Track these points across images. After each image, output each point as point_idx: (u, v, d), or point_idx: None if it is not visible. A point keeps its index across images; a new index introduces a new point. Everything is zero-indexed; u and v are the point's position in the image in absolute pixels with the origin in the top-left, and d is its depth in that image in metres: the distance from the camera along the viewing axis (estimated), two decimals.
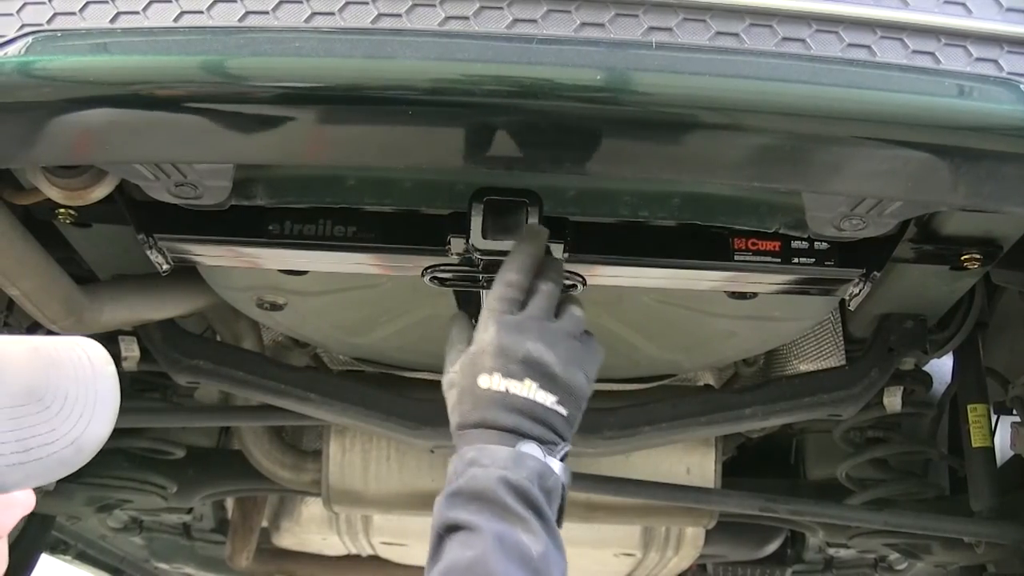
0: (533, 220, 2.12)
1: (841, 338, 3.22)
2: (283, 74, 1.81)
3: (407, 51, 1.79)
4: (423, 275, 2.33)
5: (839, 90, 1.79)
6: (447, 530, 1.84)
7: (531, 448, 1.91)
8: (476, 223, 2.13)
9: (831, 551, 4.42)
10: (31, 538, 4.03)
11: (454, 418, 2.01)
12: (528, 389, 1.94)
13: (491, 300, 2.02)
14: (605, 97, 1.79)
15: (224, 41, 1.81)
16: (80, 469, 3.44)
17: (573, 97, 1.79)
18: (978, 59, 1.83)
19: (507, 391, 1.94)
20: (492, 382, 1.95)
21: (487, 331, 1.99)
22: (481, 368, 1.97)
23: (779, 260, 2.35)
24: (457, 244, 2.23)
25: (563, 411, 1.97)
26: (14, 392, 1.56)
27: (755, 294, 2.55)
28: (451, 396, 2.05)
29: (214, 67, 1.81)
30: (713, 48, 1.80)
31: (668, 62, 1.79)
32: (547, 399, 1.95)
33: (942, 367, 3.55)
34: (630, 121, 1.83)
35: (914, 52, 1.82)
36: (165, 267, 2.47)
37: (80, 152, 1.95)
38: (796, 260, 2.35)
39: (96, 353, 1.71)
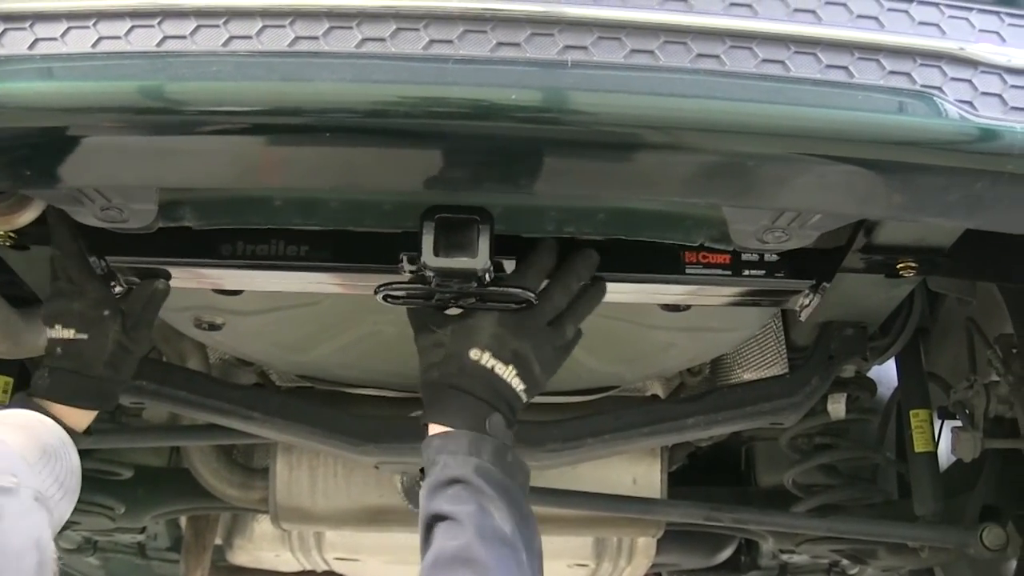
0: (485, 237, 2.15)
1: (784, 347, 3.22)
2: (201, 98, 1.81)
3: (324, 73, 1.79)
4: (376, 293, 2.34)
5: (752, 105, 1.80)
6: (433, 519, 2.10)
7: (498, 420, 2.22)
8: (427, 241, 2.15)
9: (784, 557, 4.42)
10: None
11: (433, 373, 2.28)
12: (508, 372, 2.25)
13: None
14: (520, 116, 1.80)
15: (142, 66, 1.81)
16: None
17: (489, 116, 1.80)
18: (891, 72, 1.84)
19: (492, 369, 2.24)
20: (482, 358, 2.24)
21: (490, 313, 2.27)
22: (475, 343, 2.25)
23: (730, 273, 2.39)
24: (409, 262, 2.25)
25: (524, 398, 2.30)
26: (36, 457, 2.19)
27: (688, 306, 2.57)
28: (436, 354, 2.29)
29: (132, 92, 1.81)
30: (628, 66, 1.81)
31: (586, 80, 1.81)
32: (519, 386, 2.27)
33: (889, 373, 3.56)
34: (548, 139, 1.84)
35: (828, 67, 1.83)
36: (119, 290, 2.49)
37: None
38: (746, 272, 2.38)
39: (26, 413, 2.35)
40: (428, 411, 2.27)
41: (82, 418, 2.49)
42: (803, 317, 2.59)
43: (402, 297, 2.34)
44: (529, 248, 2.32)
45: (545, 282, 2.31)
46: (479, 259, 2.15)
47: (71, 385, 2.46)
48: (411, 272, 2.28)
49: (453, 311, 2.31)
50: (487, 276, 2.22)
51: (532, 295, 2.27)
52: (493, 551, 2.01)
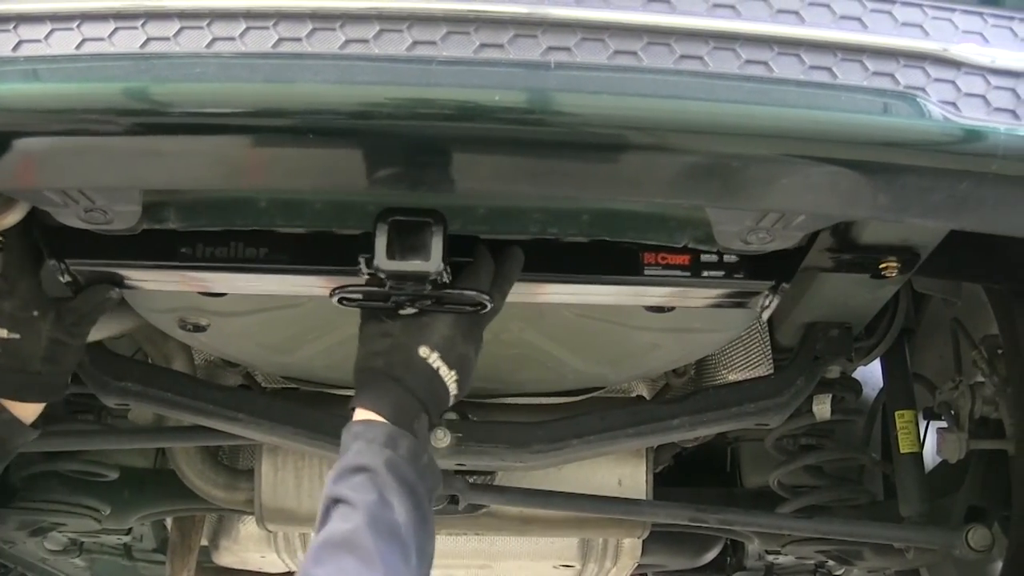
0: (438, 239, 2.14)
1: (769, 347, 3.23)
2: (184, 100, 1.81)
3: (307, 75, 1.79)
4: (332, 296, 2.33)
5: (735, 106, 1.81)
6: (332, 502, 2.06)
7: (425, 421, 2.23)
8: (381, 243, 2.14)
9: (770, 558, 4.43)
10: None
11: (376, 361, 2.26)
12: (450, 377, 2.26)
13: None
14: (504, 117, 1.80)
15: (126, 68, 1.81)
16: (12, 493, 3.45)
17: (472, 117, 1.80)
18: (875, 73, 1.84)
19: (437, 371, 2.24)
20: (431, 357, 2.24)
21: (445, 315, 2.28)
22: (426, 341, 2.25)
23: (689, 274, 2.39)
24: (365, 265, 2.24)
25: (451, 403, 2.31)
26: None
27: (672, 307, 2.57)
28: (381, 343, 2.28)
29: (116, 94, 1.81)
30: (612, 67, 1.81)
31: (569, 82, 1.81)
32: (454, 391, 2.28)
33: (875, 373, 3.57)
34: (532, 140, 1.83)
35: (811, 68, 1.83)
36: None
37: None
38: (705, 274, 2.38)
39: None
40: (360, 397, 2.24)
41: (33, 411, 2.55)
42: (764, 318, 2.60)
43: (357, 300, 2.33)
44: (475, 250, 2.32)
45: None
46: (432, 262, 2.14)
47: (13, 382, 2.51)
48: (368, 274, 2.28)
49: (408, 311, 2.31)
50: (442, 278, 2.22)
51: (488, 298, 2.27)
52: (382, 542, 1.99)
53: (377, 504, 2.04)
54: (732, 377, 3.24)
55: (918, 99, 1.85)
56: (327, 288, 2.35)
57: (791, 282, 2.43)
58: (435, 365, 2.24)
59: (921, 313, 3.49)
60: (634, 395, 3.68)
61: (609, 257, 2.36)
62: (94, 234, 2.28)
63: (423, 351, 2.24)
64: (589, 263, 2.37)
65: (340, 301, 2.32)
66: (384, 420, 2.18)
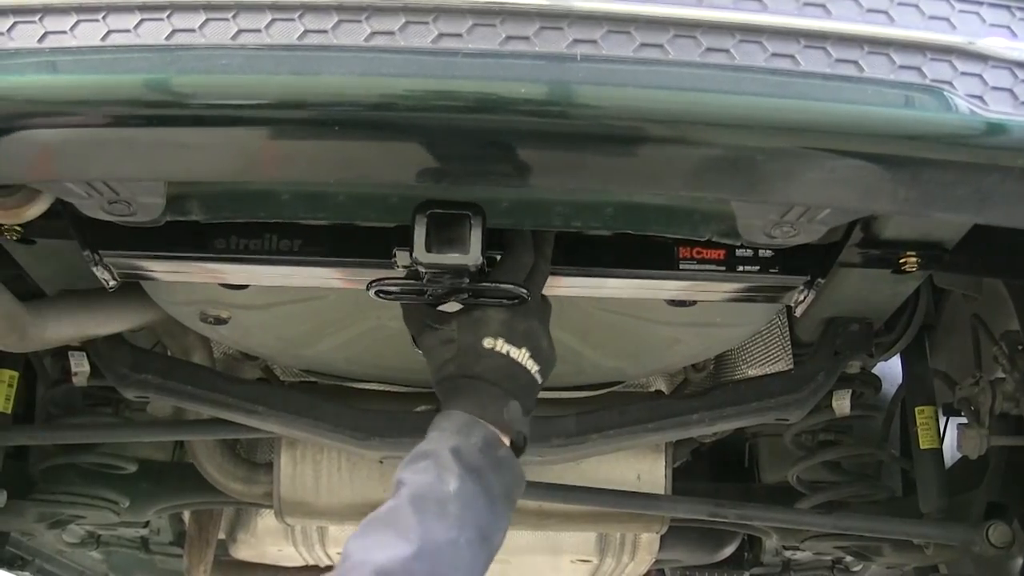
0: (477, 232, 2.13)
1: (788, 342, 3.23)
2: (210, 91, 1.80)
3: (333, 67, 1.79)
4: (368, 288, 2.33)
5: (761, 100, 1.80)
6: (394, 486, 2.08)
7: (515, 407, 2.21)
8: (419, 236, 2.13)
9: (788, 554, 4.42)
10: None
11: (449, 368, 2.26)
12: (523, 356, 2.25)
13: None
14: (529, 109, 1.80)
15: (151, 60, 1.81)
16: (30, 485, 3.46)
17: (497, 110, 1.80)
18: (901, 67, 1.84)
19: (508, 355, 2.23)
20: (496, 344, 2.23)
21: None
22: (487, 332, 2.24)
23: (724, 268, 2.39)
24: (402, 257, 2.24)
25: (539, 379, 2.29)
26: None
27: (694, 301, 2.56)
28: (446, 350, 2.27)
29: (141, 86, 1.81)
30: (638, 60, 1.81)
31: (595, 74, 1.81)
32: (533, 368, 2.26)
33: (894, 369, 3.57)
34: (557, 133, 1.83)
35: (837, 61, 1.83)
36: (112, 283, 2.49)
37: (7, 171, 1.96)
38: (741, 268, 2.38)
39: None
40: (447, 404, 2.23)
41: None
42: (798, 313, 2.59)
43: (395, 293, 2.33)
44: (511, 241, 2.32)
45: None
46: (471, 255, 2.14)
47: None
48: (405, 267, 2.28)
49: (450, 307, 2.31)
50: (481, 271, 2.22)
51: (524, 291, 2.26)
52: (425, 515, 1.98)
53: (430, 482, 2.03)
54: (751, 372, 3.25)
55: (944, 93, 1.84)
56: (359, 281, 2.35)
57: (826, 277, 2.42)
58: (504, 350, 2.24)
59: (941, 308, 3.48)
60: (652, 390, 3.67)
61: (645, 251, 2.37)
62: (128, 226, 2.29)
63: (487, 342, 2.24)
64: (624, 257, 2.38)
65: (377, 294, 2.32)
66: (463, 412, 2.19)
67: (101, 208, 2.18)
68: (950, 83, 1.85)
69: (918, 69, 1.84)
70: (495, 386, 2.21)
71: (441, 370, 2.28)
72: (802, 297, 2.48)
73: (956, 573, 3.72)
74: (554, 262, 2.36)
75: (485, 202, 2.18)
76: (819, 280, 2.42)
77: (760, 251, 2.37)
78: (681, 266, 2.38)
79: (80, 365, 3.14)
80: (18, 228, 2.42)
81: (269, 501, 3.71)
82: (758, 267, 2.39)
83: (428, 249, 2.13)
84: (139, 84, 1.81)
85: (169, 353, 3.35)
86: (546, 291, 2.38)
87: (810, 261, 2.41)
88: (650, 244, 2.37)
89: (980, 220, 2.14)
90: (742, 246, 2.36)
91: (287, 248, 2.36)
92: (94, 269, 2.43)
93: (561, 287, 2.44)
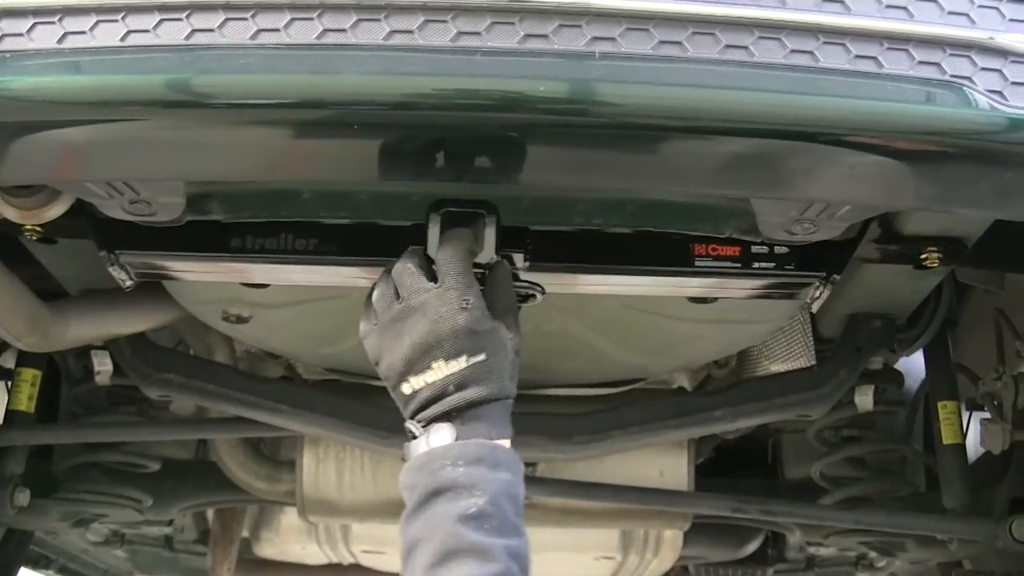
0: (491, 231, 2.14)
1: (811, 339, 3.22)
2: (229, 91, 1.81)
3: (352, 66, 1.80)
4: None
5: (781, 96, 1.80)
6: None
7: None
8: (433, 235, 2.14)
9: (811, 550, 4.42)
10: (9, 554, 4.01)
11: None
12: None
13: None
14: (548, 107, 1.80)
15: (171, 60, 1.82)
16: (54, 485, 3.48)
17: (517, 108, 1.80)
18: (920, 63, 1.84)
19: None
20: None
21: None
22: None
23: (739, 265, 2.37)
24: None
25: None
26: None
27: (716, 298, 2.56)
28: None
29: (161, 85, 1.82)
30: (657, 57, 1.81)
31: (614, 72, 1.81)
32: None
33: (917, 365, 3.56)
34: (576, 131, 1.83)
35: (857, 57, 1.83)
36: (128, 283, 2.48)
37: (28, 172, 1.97)
38: (756, 265, 2.37)
39: None
40: None
41: None
42: (815, 309, 2.58)
43: None
44: (539, 241, 2.30)
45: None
46: (485, 253, 2.14)
47: None
48: None
49: None
50: None
51: (540, 287, 2.25)
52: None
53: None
54: (774, 368, 3.23)
55: (964, 88, 1.84)
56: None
57: (842, 274, 2.42)
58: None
59: (964, 303, 3.46)
60: (675, 387, 3.67)
61: (659, 248, 2.36)
62: (145, 226, 2.29)
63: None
64: (638, 254, 2.36)
65: None
66: None
67: (122, 208, 2.18)
68: (970, 79, 1.85)
69: (938, 65, 1.85)
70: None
71: None
72: (819, 293, 2.47)
73: (980, 568, 3.70)
74: (565, 259, 2.35)
75: (506, 200, 2.18)
76: (835, 276, 2.41)
77: (776, 248, 2.37)
78: (696, 263, 2.37)
79: (103, 364, 3.16)
80: (39, 228, 2.42)
81: (292, 499, 3.71)
82: (773, 264, 2.38)
83: None
84: (159, 84, 1.82)
85: (192, 352, 3.35)
86: (557, 288, 2.37)
87: (826, 257, 2.40)
88: (665, 241, 2.36)
89: (1001, 215, 2.13)
90: (758, 243, 2.35)
91: (303, 247, 2.36)
92: (110, 269, 2.43)
93: (571, 283, 2.43)
